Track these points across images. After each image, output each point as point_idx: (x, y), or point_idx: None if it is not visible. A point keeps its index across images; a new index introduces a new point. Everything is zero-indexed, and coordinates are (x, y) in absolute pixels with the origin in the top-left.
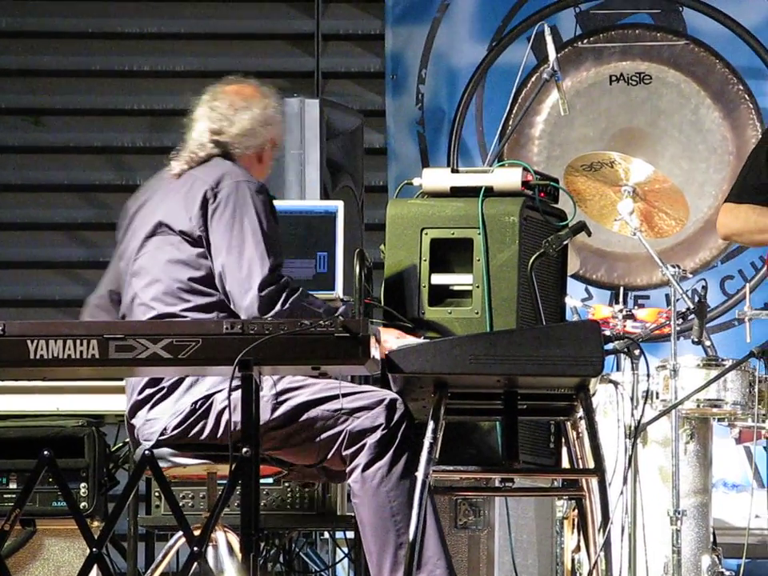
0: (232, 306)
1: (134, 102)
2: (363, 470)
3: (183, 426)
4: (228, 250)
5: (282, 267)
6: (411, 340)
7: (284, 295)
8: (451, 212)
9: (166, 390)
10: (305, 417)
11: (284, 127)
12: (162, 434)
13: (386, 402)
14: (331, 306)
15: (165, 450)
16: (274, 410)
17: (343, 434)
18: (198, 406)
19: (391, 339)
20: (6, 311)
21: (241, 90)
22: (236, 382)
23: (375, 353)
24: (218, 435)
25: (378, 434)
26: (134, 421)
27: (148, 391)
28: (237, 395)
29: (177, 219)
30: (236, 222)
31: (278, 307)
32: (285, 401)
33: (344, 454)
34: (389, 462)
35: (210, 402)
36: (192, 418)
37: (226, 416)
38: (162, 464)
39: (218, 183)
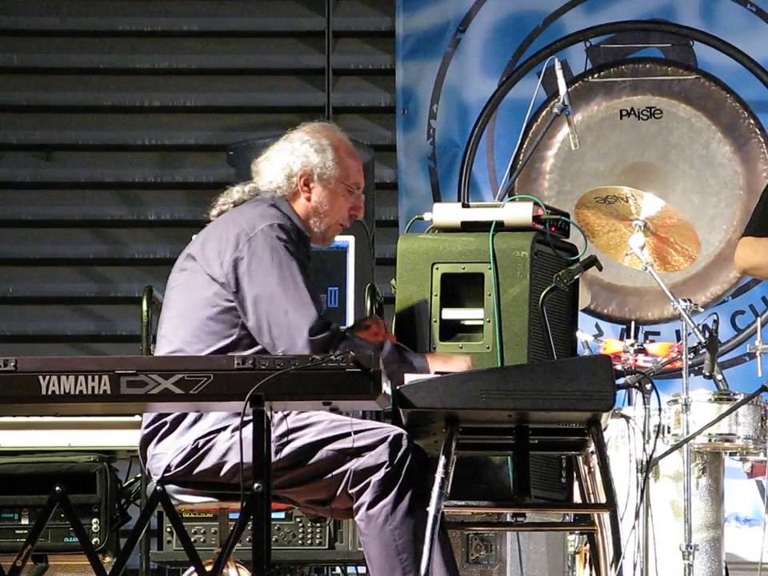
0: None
1: (144, 138)
2: (368, 508)
3: (187, 464)
4: (270, 298)
5: (324, 313)
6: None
7: (335, 341)
8: (462, 247)
9: (168, 425)
10: (310, 458)
11: (331, 158)
12: (166, 470)
13: (389, 440)
14: (376, 343)
15: (170, 487)
16: (278, 451)
17: (348, 473)
18: (200, 445)
19: (459, 363)
20: (17, 347)
21: (292, 132)
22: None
23: (386, 388)
24: (222, 474)
25: (382, 472)
26: (145, 455)
27: (153, 426)
28: (243, 432)
29: (207, 260)
30: (274, 270)
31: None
32: (289, 442)
33: (350, 492)
34: (393, 499)
35: (213, 440)
36: (195, 456)
37: (230, 455)
38: None
39: (252, 228)
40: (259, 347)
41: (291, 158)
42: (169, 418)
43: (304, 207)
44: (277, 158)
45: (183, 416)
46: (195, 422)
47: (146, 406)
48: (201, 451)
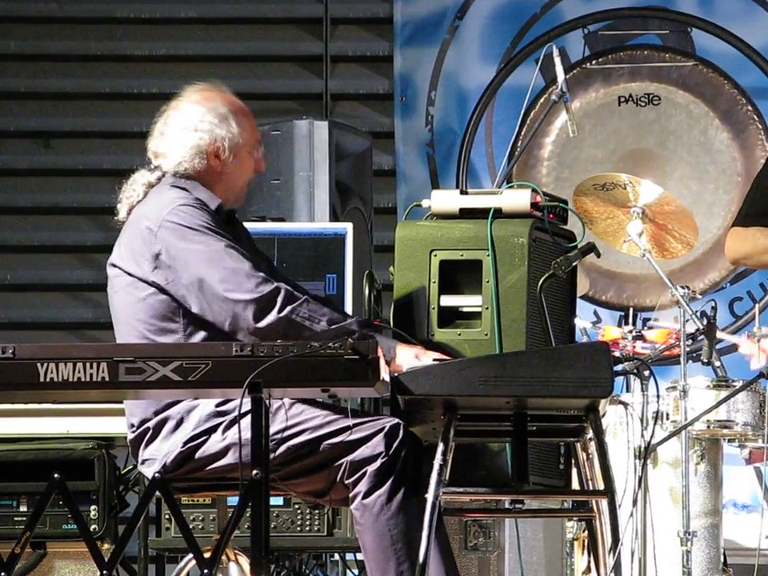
0: (235, 331)
1: (143, 125)
2: (364, 498)
3: (182, 469)
4: (205, 275)
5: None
6: (432, 357)
7: (279, 301)
8: (460, 233)
9: (152, 431)
10: (307, 454)
11: (234, 125)
12: (163, 471)
13: (385, 430)
14: (335, 316)
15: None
16: (273, 450)
17: (344, 464)
18: (192, 450)
19: (408, 358)
20: (15, 334)
21: (177, 101)
22: (235, 414)
23: (385, 375)
24: (223, 474)
25: (378, 463)
26: (136, 457)
27: (139, 431)
28: (237, 422)
29: (128, 264)
30: (194, 248)
31: (273, 313)
32: (285, 440)
33: (346, 482)
34: (388, 490)
35: (204, 443)
36: (190, 464)
37: (228, 455)
38: None
39: (158, 219)
40: (206, 332)
41: (197, 135)
42: (151, 424)
43: (216, 177)
44: (181, 138)
45: (164, 421)
46: (177, 426)
47: (145, 392)
48: (195, 458)
